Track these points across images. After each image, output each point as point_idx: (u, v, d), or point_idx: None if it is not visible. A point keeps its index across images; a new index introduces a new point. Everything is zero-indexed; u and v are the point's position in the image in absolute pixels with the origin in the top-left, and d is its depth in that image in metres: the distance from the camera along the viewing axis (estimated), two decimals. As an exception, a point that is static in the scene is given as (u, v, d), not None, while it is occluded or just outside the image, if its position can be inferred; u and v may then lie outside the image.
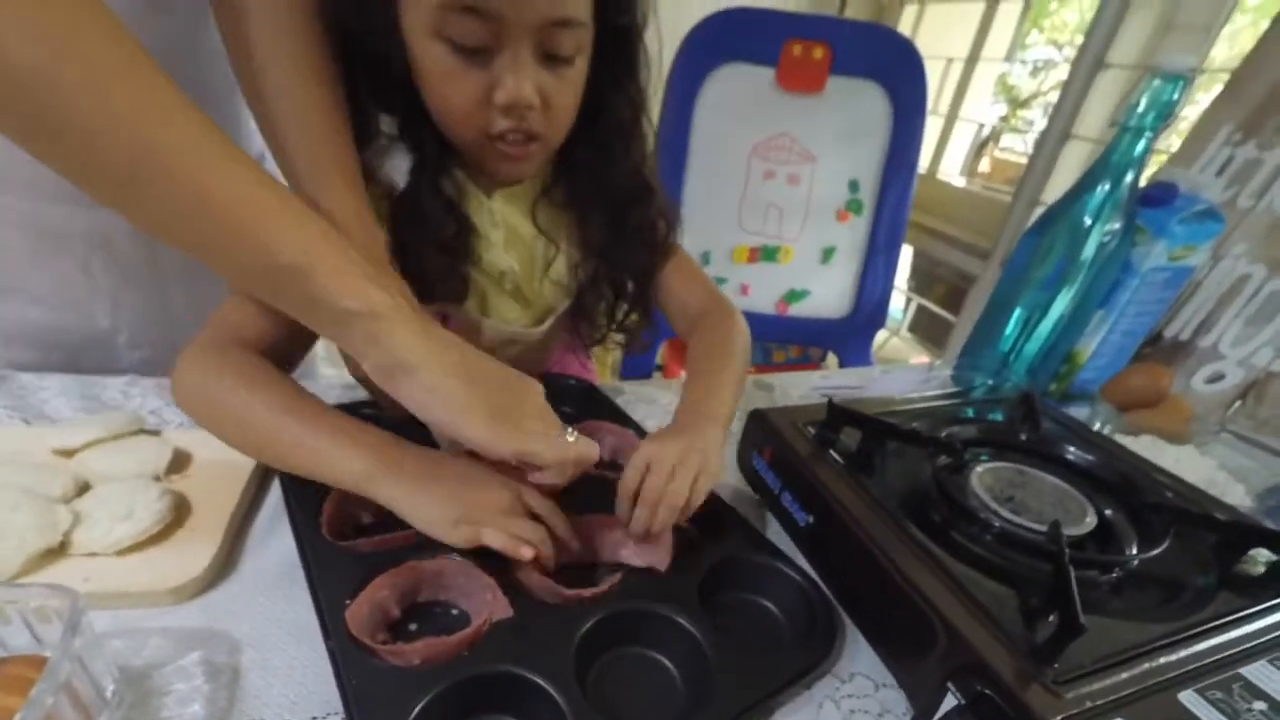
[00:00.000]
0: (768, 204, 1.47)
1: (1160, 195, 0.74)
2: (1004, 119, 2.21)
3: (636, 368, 1.49)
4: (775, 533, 0.53)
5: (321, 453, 0.42)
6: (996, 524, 0.45)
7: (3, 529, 0.39)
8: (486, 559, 0.42)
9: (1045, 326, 0.77)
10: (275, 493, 0.49)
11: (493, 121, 0.48)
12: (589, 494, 0.47)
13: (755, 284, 1.56)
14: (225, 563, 0.43)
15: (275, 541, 0.45)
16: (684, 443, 0.46)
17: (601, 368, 0.82)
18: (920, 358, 2.08)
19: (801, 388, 0.81)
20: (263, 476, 0.50)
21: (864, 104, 1.40)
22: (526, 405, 0.43)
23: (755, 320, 1.71)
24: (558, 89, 0.49)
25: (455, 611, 0.42)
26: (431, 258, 0.54)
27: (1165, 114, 0.65)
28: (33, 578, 0.39)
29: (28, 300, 0.62)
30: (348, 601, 0.37)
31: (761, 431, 0.56)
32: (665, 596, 0.41)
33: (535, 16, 0.44)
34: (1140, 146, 0.67)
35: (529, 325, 0.64)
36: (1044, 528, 0.43)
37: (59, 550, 0.40)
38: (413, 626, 0.41)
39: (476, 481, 0.44)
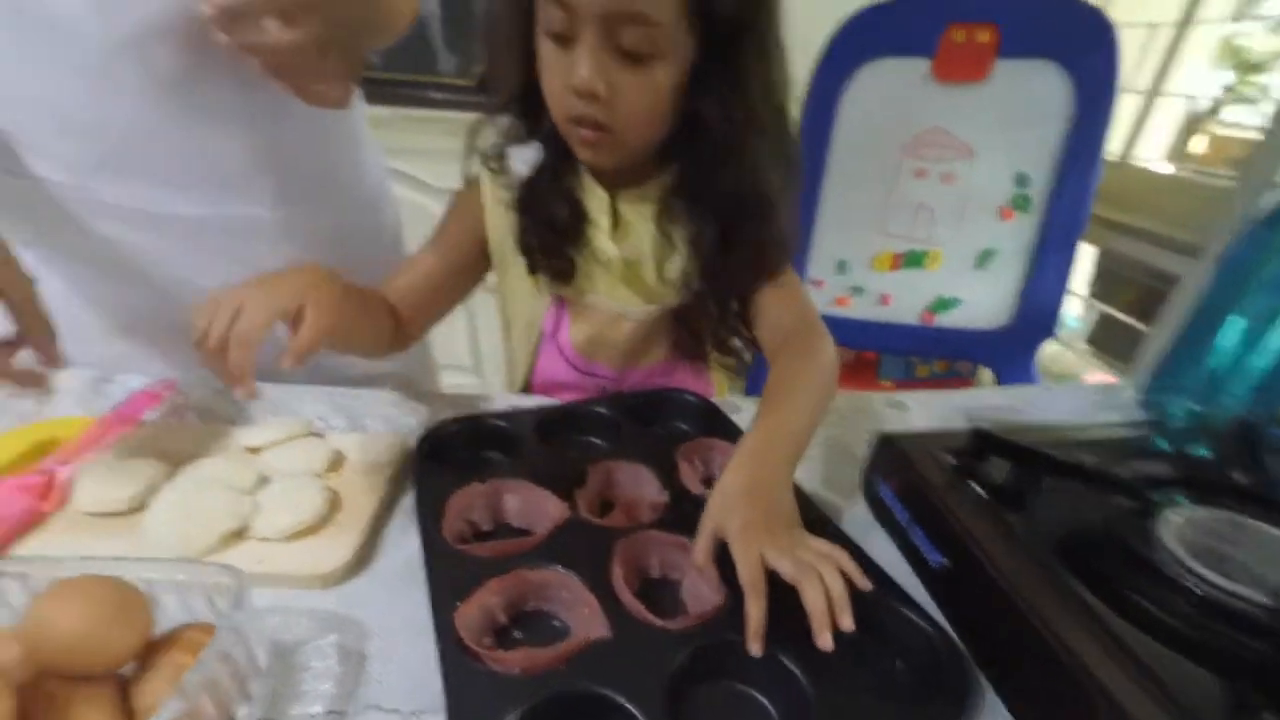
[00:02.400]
0: (917, 205, 1.36)
1: None
2: (1229, 89, 1.84)
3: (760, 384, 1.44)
4: (895, 565, 0.48)
5: None
6: (1195, 587, 0.37)
7: (203, 513, 0.46)
8: (591, 574, 0.42)
9: (1276, 338, 0.62)
10: (412, 494, 0.54)
11: (571, 105, 0.51)
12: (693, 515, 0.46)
13: (897, 293, 1.44)
14: (363, 556, 0.48)
15: (406, 540, 0.49)
16: (766, 526, 0.41)
17: (723, 384, 0.80)
18: (1099, 375, 1.78)
19: (942, 408, 0.73)
20: (400, 478, 0.55)
21: (1036, 87, 1.24)
22: None
23: (896, 332, 1.59)
24: (630, 85, 0.50)
25: (557, 623, 0.43)
26: (543, 237, 0.63)
27: None
28: (220, 555, 0.45)
29: None
30: (458, 604, 0.40)
31: (890, 458, 0.51)
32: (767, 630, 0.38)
33: (598, 7, 0.46)
34: None
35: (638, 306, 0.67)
36: (1268, 599, 0.34)
37: (241, 534, 0.47)
38: (518, 634, 0.42)
39: None
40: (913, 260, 1.38)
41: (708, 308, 0.67)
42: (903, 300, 1.43)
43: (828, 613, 0.36)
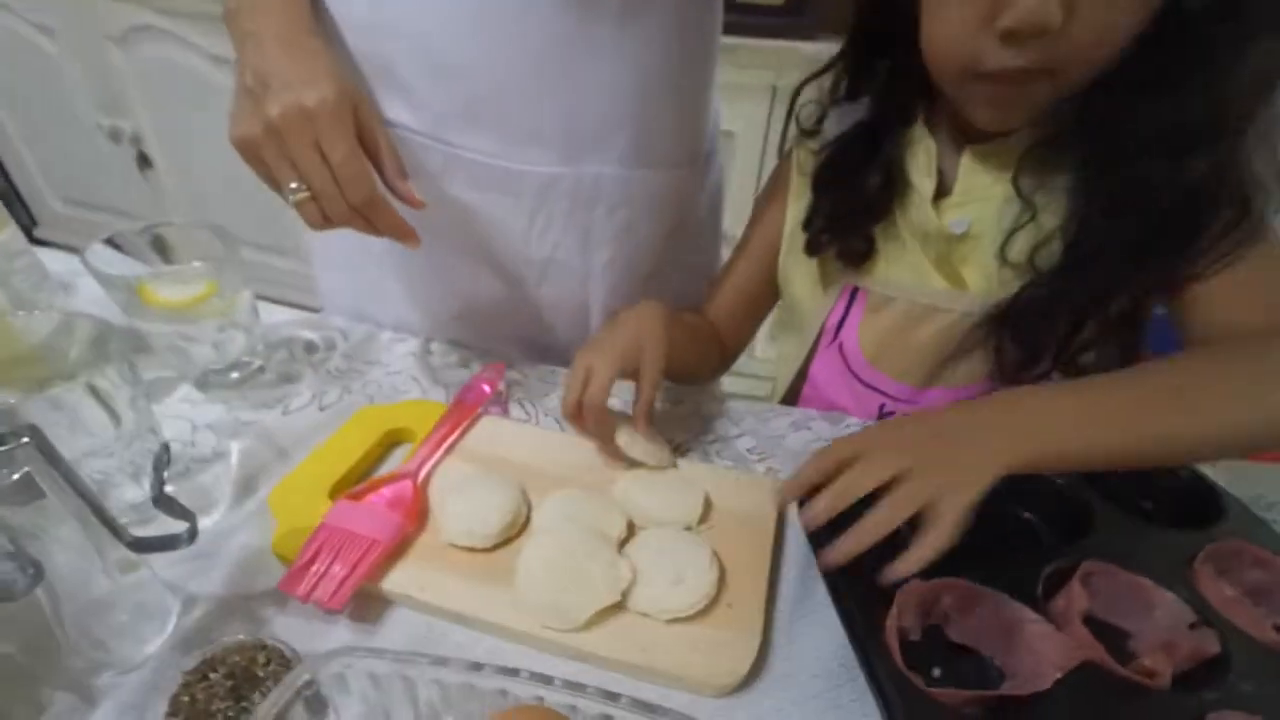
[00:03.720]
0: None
1: None
2: None
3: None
4: None
5: None
6: None
7: (580, 577, 0.37)
8: None
9: None
10: (793, 559, 0.42)
11: (984, 54, 0.39)
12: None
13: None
14: (762, 654, 0.37)
15: (806, 632, 0.38)
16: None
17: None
18: None
19: None
20: (779, 540, 0.44)
21: None
22: None
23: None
24: (1094, 2, 0.35)
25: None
26: (838, 210, 0.53)
27: None
28: (598, 632, 0.37)
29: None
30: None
31: None
32: None
33: None
34: None
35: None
36: None
37: (617, 606, 0.38)
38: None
39: None
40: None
41: (1060, 305, 0.46)
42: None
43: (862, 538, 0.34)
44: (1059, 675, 0.31)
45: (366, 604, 0.39)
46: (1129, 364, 0.45)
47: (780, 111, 1.26)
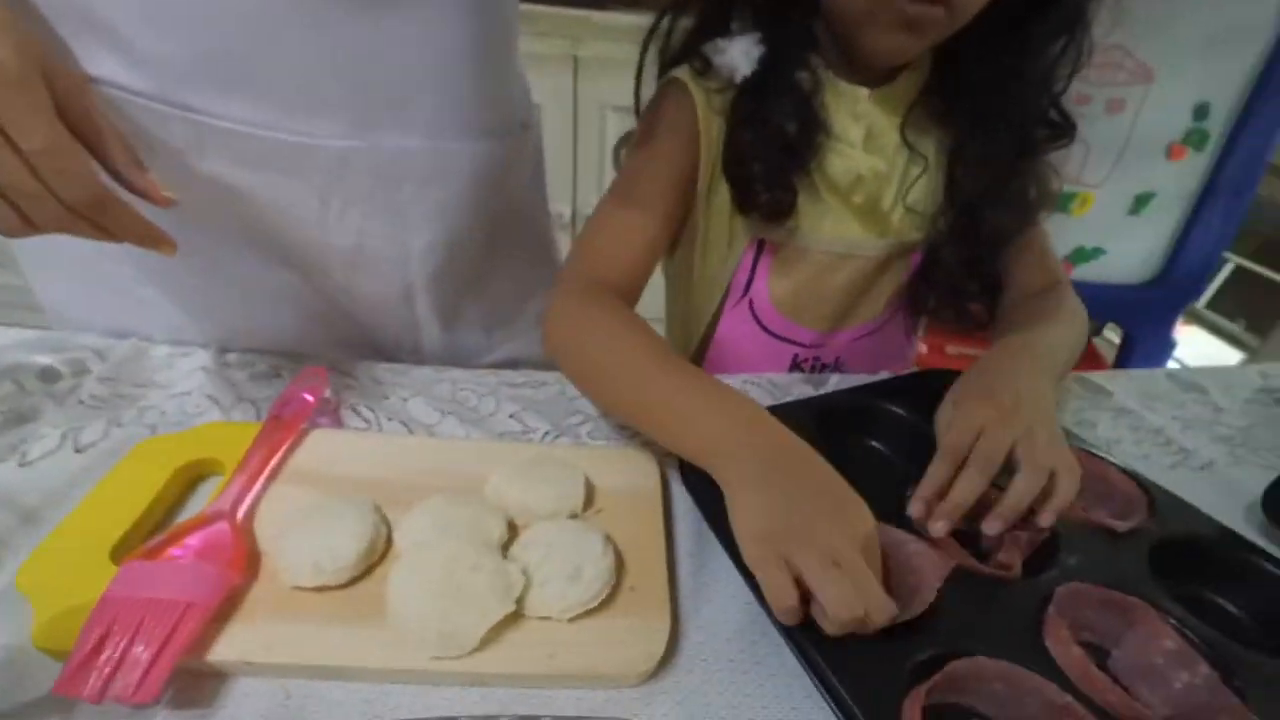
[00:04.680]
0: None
1: None
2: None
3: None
4: None
5: (683, 417, 0.40)
6: None
7: (464, 594, 0.33)
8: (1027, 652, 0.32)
9: None
10: (686, 528, 0.42)
11: None
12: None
13: (1037, 237, 1.29)
14: (676, 631, 0.36)
15: (713, 599, 0.37)
16: (1006, 405, 0.40)
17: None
18: (1201, 335, 1.65)
19: (1167, 390, 0.62)
20: (667, 511, 0.43)
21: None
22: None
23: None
24: None
25: None
26: (766, 160, 0.50)
27: None
28: (492, 649, 0.33)
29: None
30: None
31: None
32: None
33: None
34: None
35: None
36: None
37: (513, 615, 0.34)
38: None
39: (833, 503, 0.34)
40: (1060, 203, 1.23)
41: (952, 250, 0.56)
42: (1040, 249, 1.29)
43: (1022, 505, 0.37)
44: (939, 586, 0.34)
45: (193, 685, 0.30)
46: (995, 297, 0.58)
47: (585, 82, 1.24)
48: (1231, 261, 1.64)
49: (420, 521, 0.37)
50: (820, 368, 0.63)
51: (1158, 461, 0.52)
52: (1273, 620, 0.37)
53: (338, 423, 0.48)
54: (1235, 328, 1.71)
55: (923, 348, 1.38)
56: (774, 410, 0.49)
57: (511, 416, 0.50)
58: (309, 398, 0.46)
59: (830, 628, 0.30)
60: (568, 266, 0.54)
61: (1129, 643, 0.34)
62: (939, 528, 0.37)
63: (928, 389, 0.51)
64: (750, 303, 0.59)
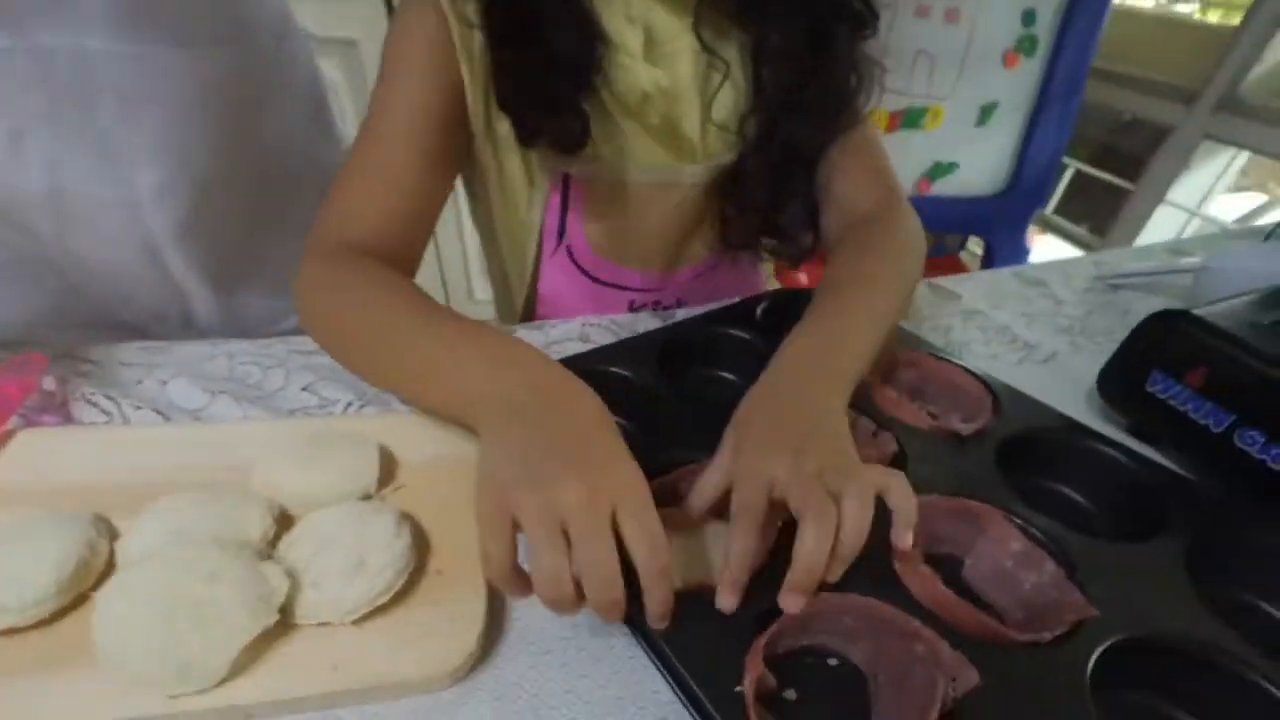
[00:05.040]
0: (916, 52, 1.19)
1: None
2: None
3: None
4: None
5: (439, 370, 0.35)
6: None
7: (203, 611, 0.25)
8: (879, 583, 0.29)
9: None
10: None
11: None
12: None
13: (893, 159, 1.30)
14: (495, 621, 0.30)
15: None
16: (792, 445, 0.30)
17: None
18: (1052, 241, 1.77)
19: (1014, 288, 0.62)
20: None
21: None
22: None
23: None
24: None
25: (834, 662, 0.29)
26: (537, 80, 0.42)
27: None
28: (254, 673, 0.26)
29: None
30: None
31: (1182, 345, 0.39)
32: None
33: None
34: None
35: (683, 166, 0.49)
36: None
37: (279, 627, 0.27)
38: (790, 693, 0.28)
39: (585, 454, 0.29)
40: (911, 119, 1.24)
41: (764, 168, 0.49)
42: (899, 167, 1.30)
43: (816, 569, 0.27)
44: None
45: None
46: (814, 219, 0.52)
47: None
48: (1072, 167, 1.76)
49: (154, 527, 0.29)
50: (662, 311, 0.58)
51: (1005, 359, 0.52)
52: (1114, 503, 0.37)
53: (67, 419, 0.38)
54: (1081, 230, 1.85)
55: (775, 283, 1.40)
56: (605, 351, 0.43)
57: (305, 389, 0.42)
58: (13, 392, 0.36)
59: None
60: (314, 226, 0.43)
61: (980, 549, 0.33)
62: (729, 603, 0.29)
63: (777, 310, 0.48)
64: (569, 250, 0.53)
